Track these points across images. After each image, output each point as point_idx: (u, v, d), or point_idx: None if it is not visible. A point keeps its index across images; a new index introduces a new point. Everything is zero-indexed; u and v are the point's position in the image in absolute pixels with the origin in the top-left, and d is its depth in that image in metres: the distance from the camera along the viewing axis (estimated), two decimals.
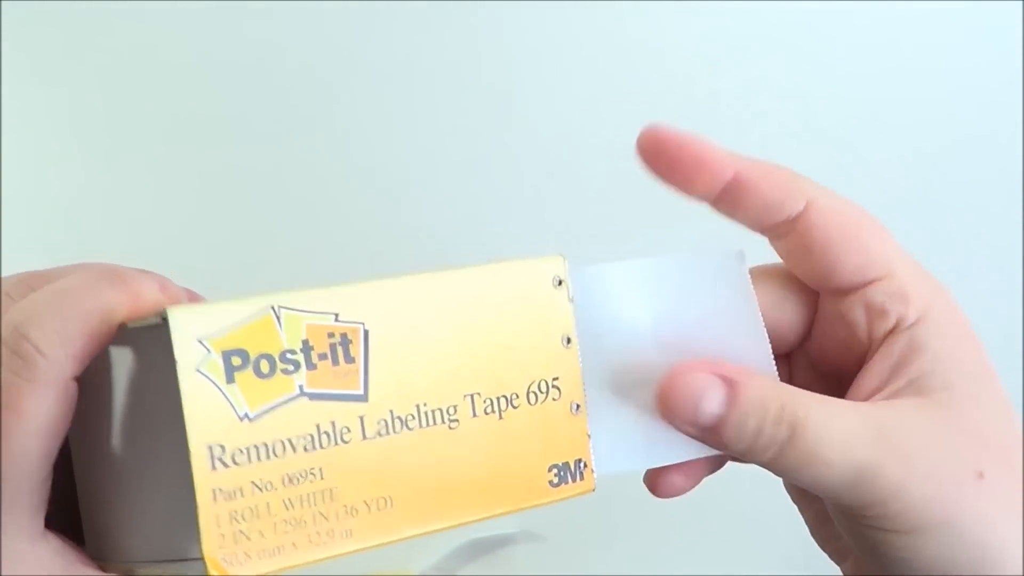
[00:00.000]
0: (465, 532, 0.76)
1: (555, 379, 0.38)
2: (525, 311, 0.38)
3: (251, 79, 0.70)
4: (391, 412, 0.36)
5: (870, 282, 0.37)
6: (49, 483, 0.33)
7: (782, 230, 0.37)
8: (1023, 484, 0.36)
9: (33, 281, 0.37)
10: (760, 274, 0.39)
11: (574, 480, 0.38)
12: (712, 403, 0.35)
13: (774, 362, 0.37)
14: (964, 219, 0.71)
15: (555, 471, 0.38)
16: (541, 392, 0.38)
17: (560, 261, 0.38)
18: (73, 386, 0.33)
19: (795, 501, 0.41)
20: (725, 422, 0.35)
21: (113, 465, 0.35)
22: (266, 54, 0.69)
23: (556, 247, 0.39)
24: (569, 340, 0.38)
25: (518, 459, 0.38)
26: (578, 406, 0.38)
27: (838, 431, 0.35)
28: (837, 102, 0.72)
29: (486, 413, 0.37)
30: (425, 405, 0.37)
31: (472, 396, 0.37)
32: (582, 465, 0.38)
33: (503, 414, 0.37)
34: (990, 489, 0.35)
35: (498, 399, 0.37)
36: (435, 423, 0.37)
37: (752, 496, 0.75)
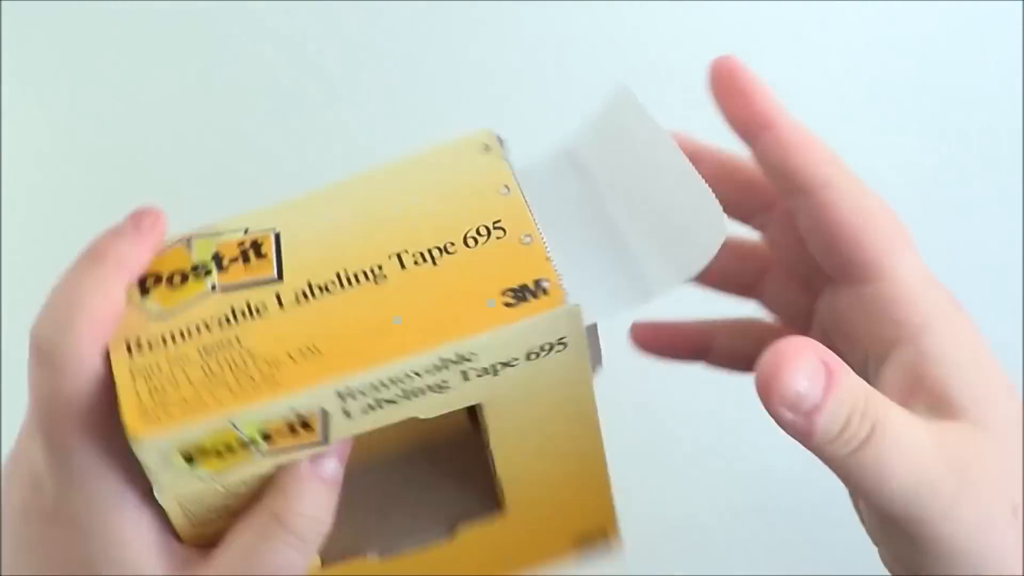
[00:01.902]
0: None
1: (496, 222, 0.37)
2: (451, 177, 0.38)
3: (252, 79, 0.70)
4: (308, 283, 0.37)
5: (868, 282, 0.37)
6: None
7: (800, 201, 0.38)
8: None
9: None
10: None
11: (535, 297, 0.36)
12: (813, 388, 0.33)
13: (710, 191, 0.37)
14: (964, 219, 0.71)
15: (510, 293, 0.36)
16: (480, 235, 0.37)
17: (487, 132, 0.39)
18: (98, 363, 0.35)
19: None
20: (821, 409, 0.33)
21: None
22: (268, 53, 0.69)
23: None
24: (507, 188, 0.38)
25: (461, 291, 0.36)
26: (530, 237, 0.37)
27: (911, 438, 0.34)
28: (837, 102, 0.72)
29: (416, 264, 0.37)
30: (346, 271, 0.37)
31: (399, 254, 0.37)
32: (544, 283, 0.36)
33: (438, 261, 0.37)
34: (1020, 524, 0.35)
35: (429, 251, 0.37)
36: (359, 283, 0.37)
37: (755, 497, 0.75)
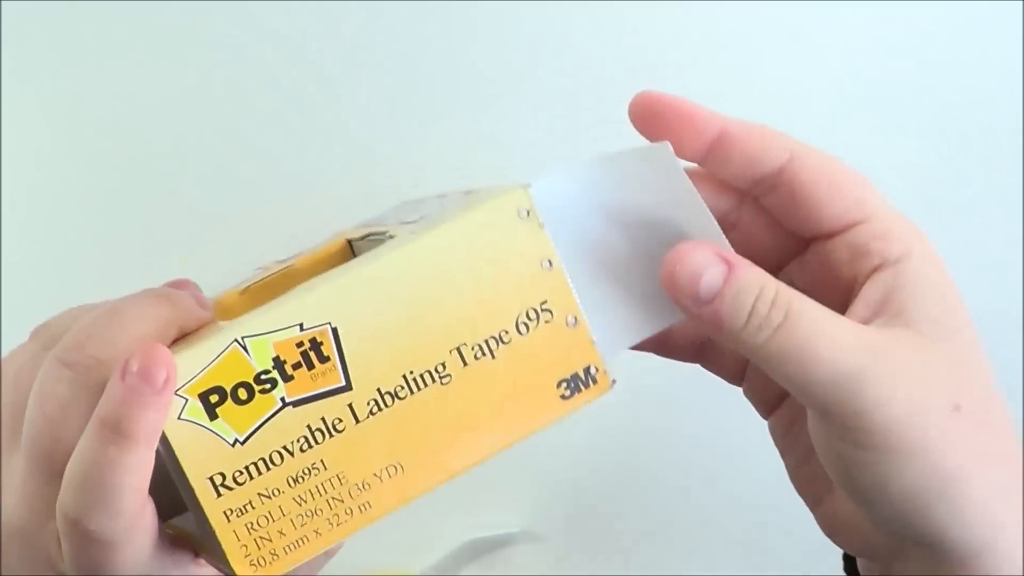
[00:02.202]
0: (465, 532, 0.76)
1: (543, 303, 0.38)
2: (495, 251, 0.38)
3: (252, 79, 0.70)
4: (379, 390, 0.37)
5: (853, 224, 0.38)
6: None
7: (769, 184, 0.39)
8: (991, 424, 0.37)
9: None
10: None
11: (587, 387, 0.38)
12: (712, 278, 0.36)
13: (726, 240, 0.38)
14: (964, 219, 0.71)
15: (564, 385, 0.38)
16: (531, 319, 0.38)
17: (520, 192, 0.38)
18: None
19: (778, 445, 0.42)
20: (722, 297, 0.36)
21: (173, 509, 0.38)
22: (268, 53, 0.69)
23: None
24: (550, 262, 0.38)
25: (522, 387, 0.38)
26: (575, 319, 0.38)
27: (832, 330, 0.36)
28: (837, 102, 0.72)
29: (476, 359, 0.37)
30: (411, 373, 0.37)
31: (458, 348, 0.37)
32: (593, 370, 0.38)
33: (495, 353, 0.38)
34: (965, 423, 0.36)
35: (486, 342, 0.38)
36: (427, 385, 0.37)
37: (753, 497, 0.75)
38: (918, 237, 0.38)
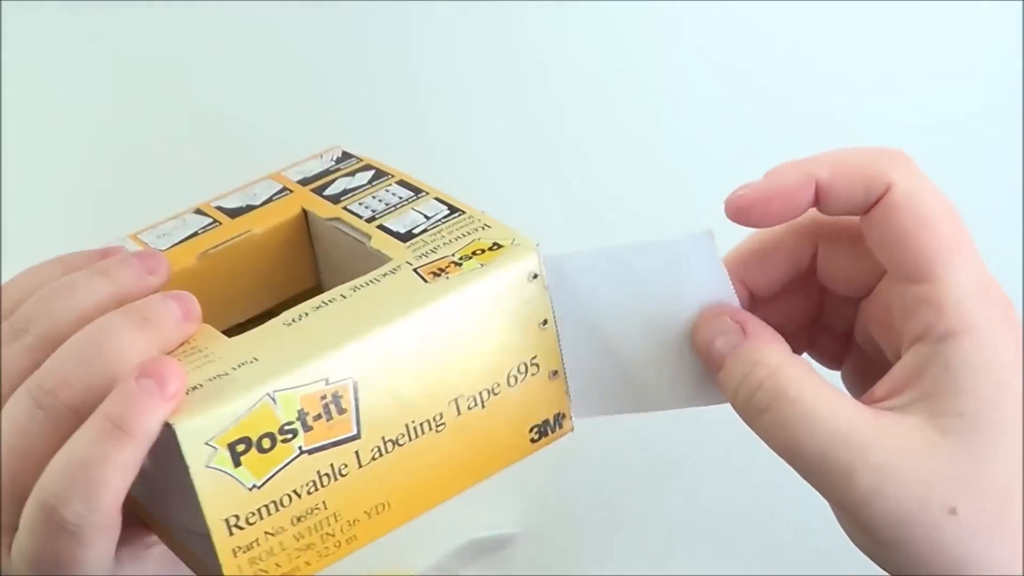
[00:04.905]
0: (465, 532, 0.76)
1: (533, 358, 0.41)
2: (503, 312, 0.40)
3: (252, 79, 0.70)
4: (383, 438, 0.39)
5: (914, 282, 0.37)
6: None
7: (866, 211, 0.38)
8: (1000, 528, 0.35)
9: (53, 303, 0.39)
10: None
11: (553, 431, 0.42)
12: (721, 346, 0.38)
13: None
14: (963, 219, 0.71)
15: (535, 429, 0.41)
16: (520, 373, 0.41)
17: (533, 258, 0.40)
18: None
19: None
20: (724, 367, 0.38)
21: (157, 508, 0.40)
22: (268, 53, 0.69)
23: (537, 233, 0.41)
24: (546, 322, 0.40)
25: (501, 432, 0.41)
26: (555, 372, 0.41)
27: (826, 421, 0.35)
28: (837, 102, 0.72)
29: (469, 409, 0.40)
30: (413, 422, 0.39)
31: (456, 400, 0.40)
32: (561, 416, 0.42)
33: (486, 404, 0.40)
34: (963, 528, 0.35)
35: (480, 394, 0.40)
36: (424, 433, 0.39)
37: (754, 497, 0.75)
38: (993, 319, 0.36)
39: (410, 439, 0.39)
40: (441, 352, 0.39)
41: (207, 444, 0.36)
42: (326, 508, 0.38)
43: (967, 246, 0.37)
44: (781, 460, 0.42)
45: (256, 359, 0.37)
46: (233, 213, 0.47)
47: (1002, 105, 0.71)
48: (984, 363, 0.35)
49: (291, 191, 0.48)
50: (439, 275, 0.39)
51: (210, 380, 0.37)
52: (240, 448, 0.36)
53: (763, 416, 0.36)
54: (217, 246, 0.45)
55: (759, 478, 0.69)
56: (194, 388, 0.36)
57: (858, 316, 0.41)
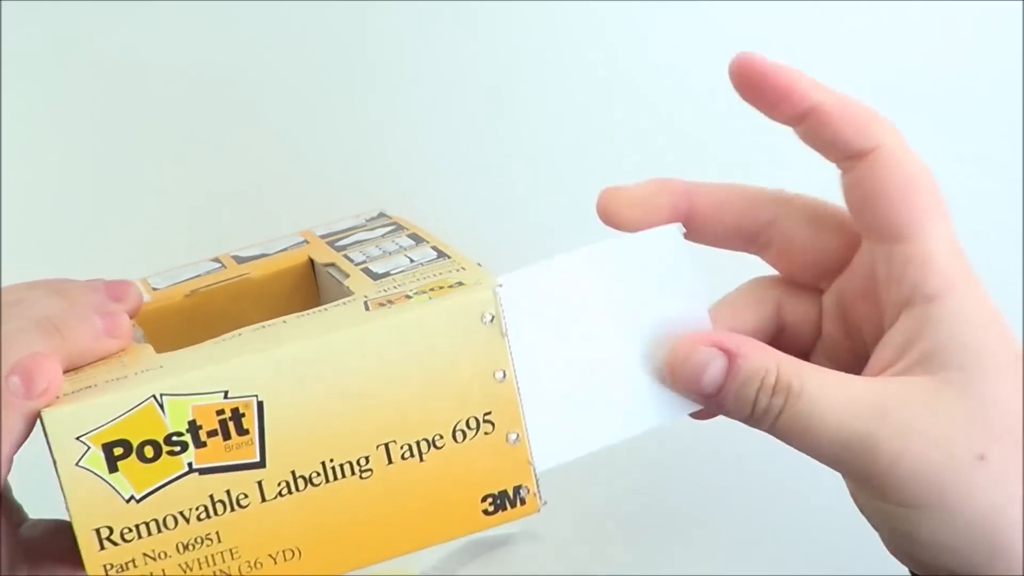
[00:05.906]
0: None
1: (487, 414, 0.37)
2: (446, 352, 0.36)
3: (252, 79, 0.70)
4: (293, 472, 0.35)
5: (897, 242, 0.38)
6: None
7: (849, 165, 0.39)
8: None
9: None
10: (770, 281, 0.41)
11: (513, 506, 0.37)
12: (713, 375, 0.37)
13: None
14: (963, 219, 0.71)
15: (489, 500, 0.37)
16: (470, 428, 0.36)
17: (488, 295, 0.36)
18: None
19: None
20: (725, 392, 0.37)
21: None
22: (268, 53, 0.69)
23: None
24: (504, 374, 0.36)
25: (444, 495, 0.36)
26: (517, 436, 0.37)
27: (835, 401, 0.36)
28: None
29: (403, 458, 0.36)
30: (332, 460, 0.36)
31: (387, 444, 0.36)
32: (523, 491, 0.37)
33: (424, 456, 0.36)
34: (992, 473, 0.35)
35: (417, 443, 0.36)
36: (344, 476, 0.36)
37: (754, 497, 0.75)
38: (965, 276, 0.37)
39: (327, 480, 0.35)
40: (369, 383, 0.35)
41: (78, 439, 0.33)
42: (220, 541, 0.35)
43: (944, 209, 0.39)
44: (781, 456, 0.42)
45: (162, 366, 0.35)
46: (243, 260, 0.45)
47: (1002, 105, 0.71)
48: (972, 316, 0.37)
49: (308, 243, 0.46)
50: (384, 305, 0.36)
51: (107, 381, 0.35)
52: (117, 451, 0.34)
53: (780, 419, 0.36)
54: (209, 286, 0.43)
55: (763, 478, 0.69)
56: (87, 387, 0.35)
57: (825, 305, 0.41)
